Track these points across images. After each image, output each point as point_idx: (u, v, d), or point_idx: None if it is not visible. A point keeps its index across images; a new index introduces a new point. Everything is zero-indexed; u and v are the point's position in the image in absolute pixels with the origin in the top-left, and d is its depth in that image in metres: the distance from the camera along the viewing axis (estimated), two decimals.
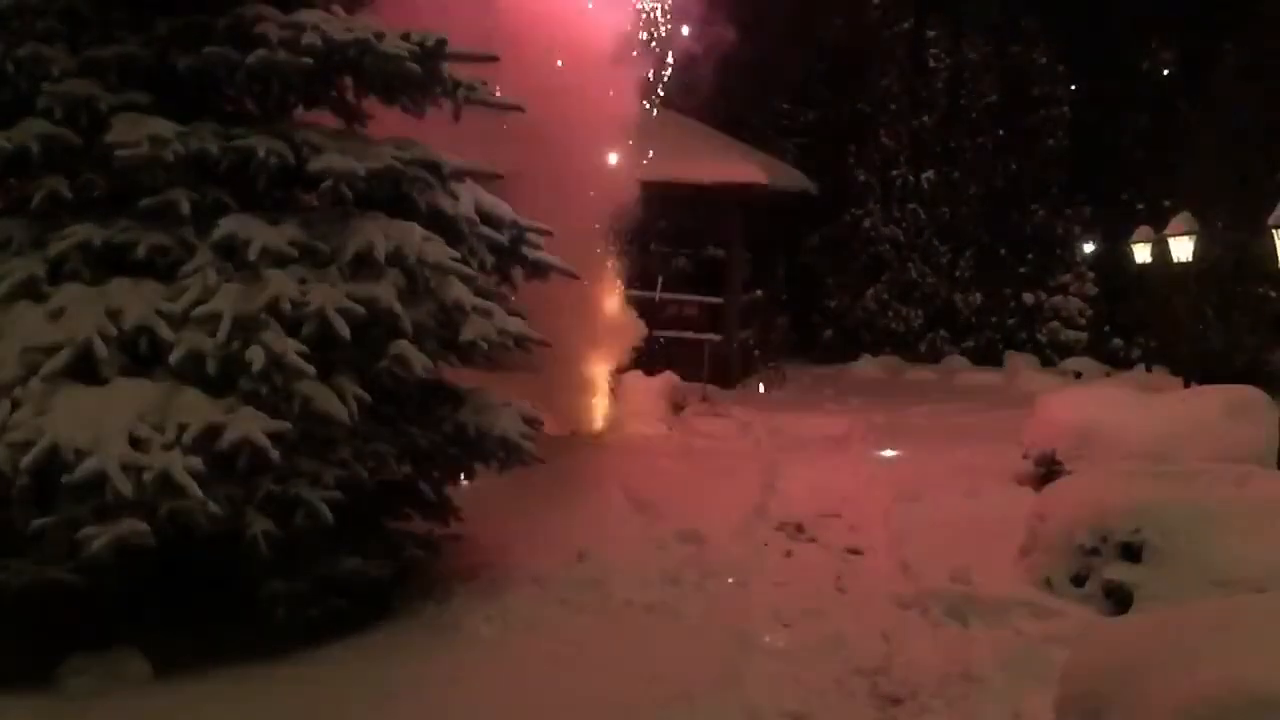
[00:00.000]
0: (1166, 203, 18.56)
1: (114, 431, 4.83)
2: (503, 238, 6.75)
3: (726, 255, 16.84)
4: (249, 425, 5.05)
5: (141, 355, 5.21)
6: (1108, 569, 6.32)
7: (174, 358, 5.14)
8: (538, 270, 7.15)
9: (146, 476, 4.76)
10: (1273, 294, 14.77)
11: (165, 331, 5.19)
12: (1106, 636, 4.61)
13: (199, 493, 4.83)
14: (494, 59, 6.49)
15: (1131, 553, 6.24)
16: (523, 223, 6.92)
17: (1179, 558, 5.97)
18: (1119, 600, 6.18)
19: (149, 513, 4.78)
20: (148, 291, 5.32)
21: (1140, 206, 20.28)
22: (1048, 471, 9.35)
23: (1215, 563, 5.80)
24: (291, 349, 5.22)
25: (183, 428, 4.99)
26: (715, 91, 16.12)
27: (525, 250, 6.98)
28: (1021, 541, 7.27)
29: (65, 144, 5.48)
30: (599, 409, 11.95)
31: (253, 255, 5.39)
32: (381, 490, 6.31)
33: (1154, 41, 21.34)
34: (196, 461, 4.91)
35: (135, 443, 4.85)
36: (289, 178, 5.85)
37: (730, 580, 7.22)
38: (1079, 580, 6.53)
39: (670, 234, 15.92)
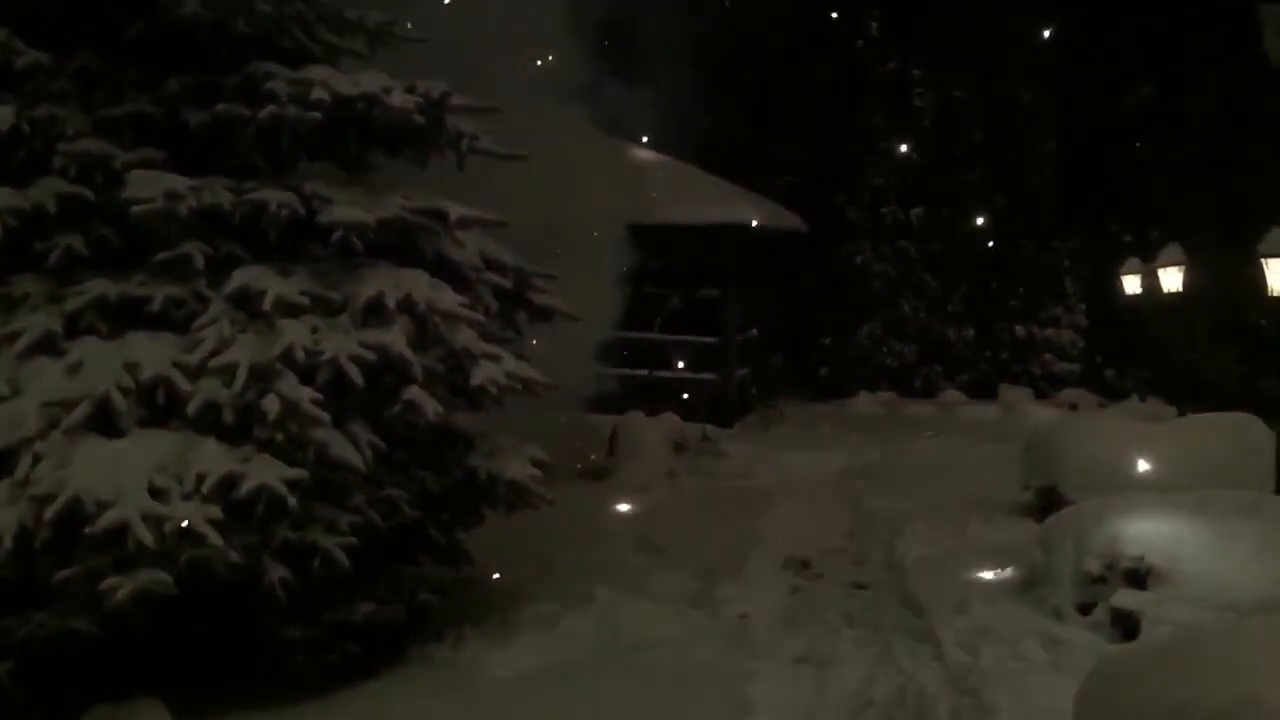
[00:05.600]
0: (1154, 234, 18.80)
1: (134, 482, 4.89)
2: (507, 283, 6.86)
3: (721, 295, 16.97)
4: (266, 473, 5.13)
5: (159, 406, 5.28)
6: (1115, 597, 6.37)
7: (191, 408, 5.22)
8: (542, 314, 7.25)
9: (167, 526, 4.82)
10: (1262, 322, 14.92)
11: (182, 382, 5.27)
12: (1119, 663, 4.68)
13: (219, 541, 4.89)
14: (496, 110, 6.61)
15: (1138, 580, 6.30)
16: (526, 268, 7.03)
17: (1185, 584, 6.04)
18: (1127, 628, 6.23)
19: (169, 562, 4.84)
20: (164, 344, 5.40)
21: (1128, 238, 20.52)
22: (1049, 502, 9.41)
23: (1221, 588, 5.87)
24: (306, 397, 5.30)
25: (201, 477, 5.06)
26: (706, 133, 16.38)
27: (529, 295, 7.08)
28: (1027, 571, 7.33)
29: (80, 201, 5.58)
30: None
31: (266, 306, 5.48)
32: (393, 535, 6.37)
33: (1136, 75, 21.66)
34: (215, 510, 4.98)
35: (155, 493, 4.91)
36: (299, 229, 5.95)
37: (739, 618, 7.26)
38: (1086, 608, 6.59)
39: (665, 275, 16.06)
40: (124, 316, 5.50)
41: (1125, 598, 6.36)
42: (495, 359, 6.18)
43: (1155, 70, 21.23)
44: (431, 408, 5.78)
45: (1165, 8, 22.31)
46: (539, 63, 11.05)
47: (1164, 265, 12.93)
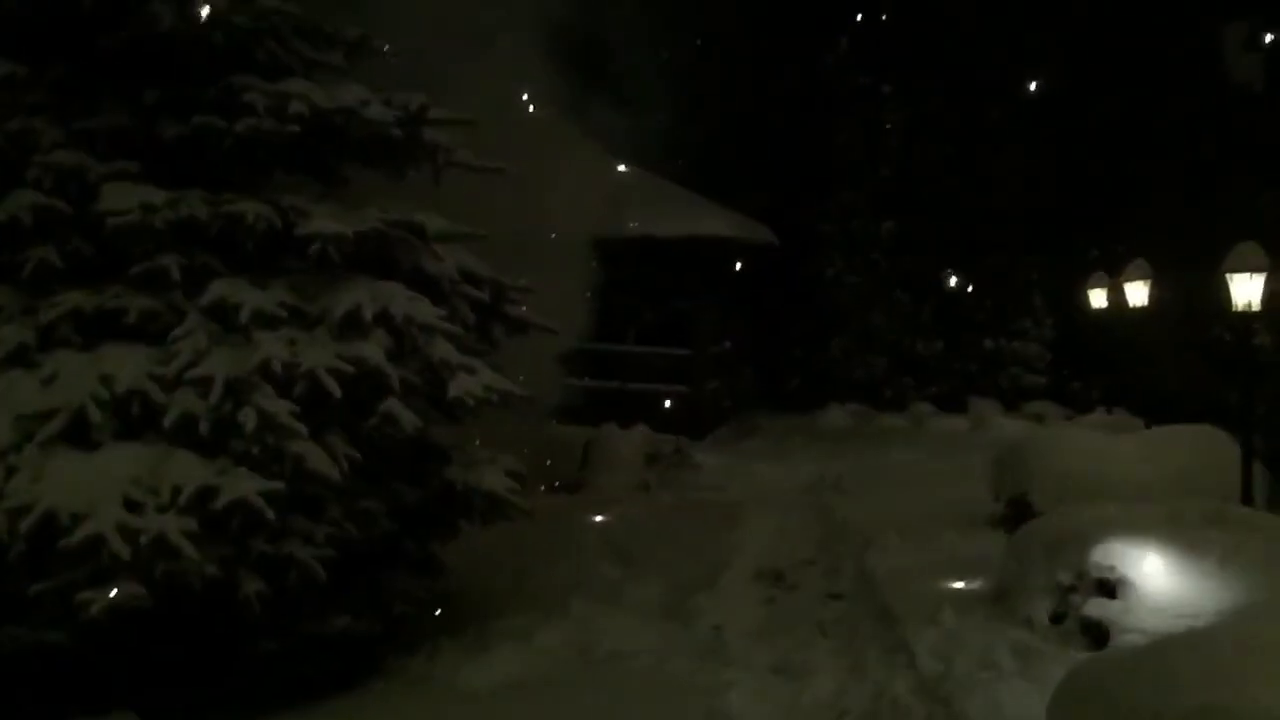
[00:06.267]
0: (1120, 249, 19.04)
1: (109, 496, 4.88)
2: (484, 295, 6.88)
3: (694, 308, 17.05)
4: (243, 486, 5.12)
5: (134, 419, 5.26)
6: (1085, 606, 6.46)
7: (167, 421, 5.21)
8: (518, 327, 7.27)
9: (142, 539, 4.80)
10: (1226, 336, 15.14)
11: (157, 395, 5.26)
12: (1089, 671, 4.75)
13: (194, 554, 4.88)
14: (472, 123, 6.65)
15: (1107, 590, 6.39)
16: (503, 280, 7.06)
17: (1154, 593, 6.13)
18: (1096, 636, 6.32)
19: (145, 575, 4.82)
20: (139, 356, 5.39)
21: (1094, 253, 20.77)
22: (1019, 513, 9.51)
23: (1189, 597, 5.96)
24: (283, 409, 5.30)
25: (177, 490, 5.05)
26: (679, 148, 16.48)
27: (506, 308, 7.11)
28: (999, 582, 7.41)
29: (56, 213, 5.56)
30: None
31: (243, 318, 5.48)
32: (369, 548, 6.38)
33: (1103, 92, 21.97)
34: (191, 523, 4.97)
35: (130, 506, 4.90)
36: (276, 241, 5.95)
37: (714, 629, 7.29)
38: (1057, 618, 6.66)
39: (639, 288, 16.12)
40: (99, 329, 5.48)
41: (1095, 607, 6.44)
42: (472, 371, 6.20)
43: (1122, 87, 21.55)
44: (409, 420, 5.79)
45: (1132, 26, 22.68)
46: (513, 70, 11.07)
47: (1130, 280, 13.10)
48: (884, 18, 22.57)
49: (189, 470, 5.13)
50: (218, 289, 5.61)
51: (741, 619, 7.57)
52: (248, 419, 5.24)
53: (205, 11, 5.84)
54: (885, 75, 22.45)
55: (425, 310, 6.03)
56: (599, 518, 10.61)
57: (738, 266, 18.71)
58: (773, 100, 22.32)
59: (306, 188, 6.46)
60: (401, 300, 5.96)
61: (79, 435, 5.10)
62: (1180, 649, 4.41)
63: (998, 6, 22.00)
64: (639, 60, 16.29)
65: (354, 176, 6.90)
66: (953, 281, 21.29)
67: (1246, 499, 8.52)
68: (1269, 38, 20.82)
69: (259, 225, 5.78)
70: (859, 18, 22.57)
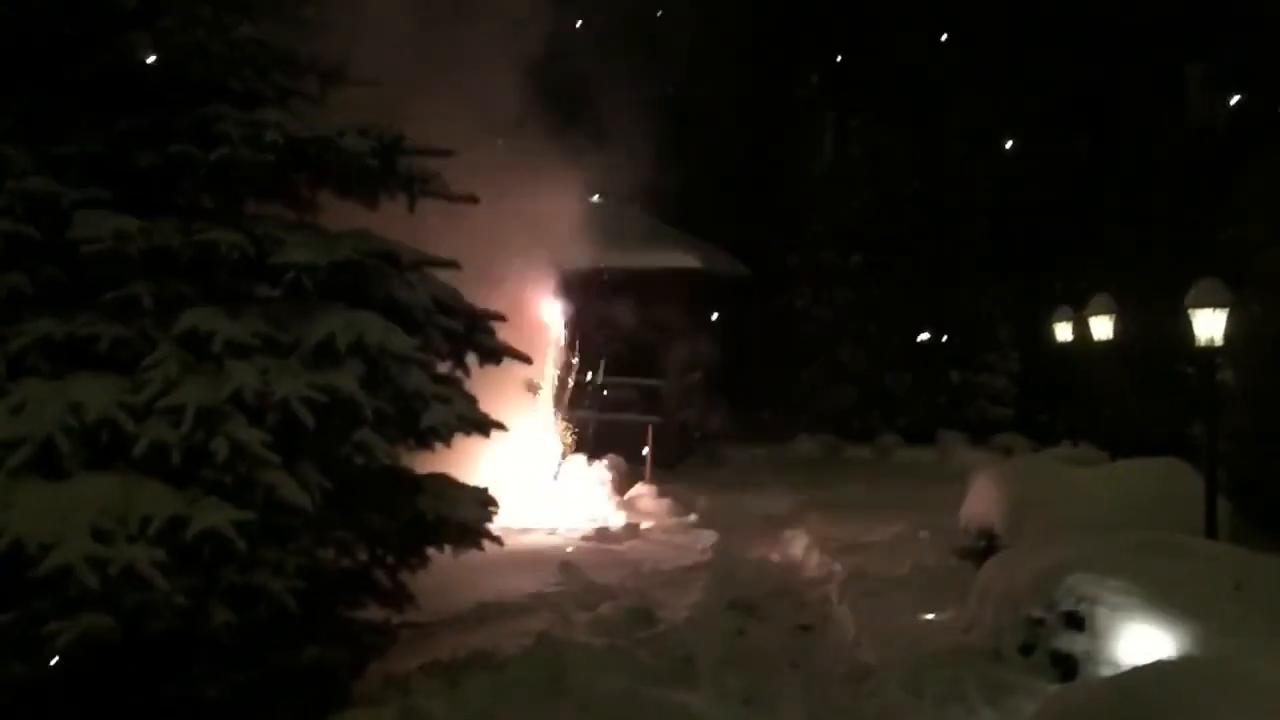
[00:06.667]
0: (1084, 283, 19.28)
1: (78, 525, 4.81)
2: (458, 325, 6.87)
3: (666, 339, 17.11)
4: (214, 516, 5.07)
5: (104, 448, 5.20)
6: (1054, 639, 6.51)
7: (137, 450, 5.15)
8: (491, 356, 7.26)
9: (111, 570, 4.74)
10: (1190, 370, 15.36)
11: (128, 424, 5.20)
12: (1060, 705, 4.79)
13: (164, 585, 4.83)
14: (450, 153, 6.67)
15: (1076, 622, 6.44)
16: (477, 309, 7.06)
17: (1120, 626, 6.18)
18: (1066, 669, 6.36)
19: (113, 607, 4.76)
20: (110, 385, 5.33)
21: (1059, 286, 21.03)
22: (987, 545, 9.58)
23: (1157, 630, 6.02)
24: (256, 439, 5.27)
25: (147, 520, 4.99)
26: (651, 181, 16.58)
27: (479, 337, 7.10)
28: (968, 613, 7.46)
29: (27, 240, 5.51)
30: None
31: (216, 347, 5.45)
32: (339, 578, 6.33)
33: (1068, 128, 22.34)
34: (161, 553, 4.91)
35: (99, 536, 4.84)
36: (249, 270, 5.94)
37: (686, 662, 7.28)
38: (1026, 650, 6.71)
39: (611, 319, 16.17)
40: (69, 357, 5.42)
41: (1064, 640, 6.49)
42: (446, 401, 6.19)
43: (1087, 124, 21.93)
44: (381, 449, 5.76)
45: (1096, 64, 23.10)
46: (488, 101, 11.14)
47: (1095, 314, 13.27)
48: (846, 57, 22.89)
49: (159, 500, 5.08)
50: (190, 317, 5.58)
51: (713, 648, 7.57)
52: (219, 448, 5.19)
53: (180, 41, 5.84)
54: (853, 109, 22.75)
55: (399, 340, 6.01)
56: (569, 547, 10.60)
57: (709, 298, 18.80)
58: (743, 134, 22.55)
59: (280, 216, 6.45)
60: (375, 329, 5.94)
61: (48, 464, 5.03)
62: (1149, 682, 4.47)
63: (965, 45, 22.41)
64: (612, 93, 16.42)
65: (328, 205, 6.90)
66: (922, 335, 21.50)
67: (1211, 532, 8.62)
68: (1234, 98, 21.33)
69: (232, 254, 5.76)
70: (830, 54, 22.86)
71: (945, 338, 21.78)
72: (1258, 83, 22.19)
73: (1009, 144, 22.13)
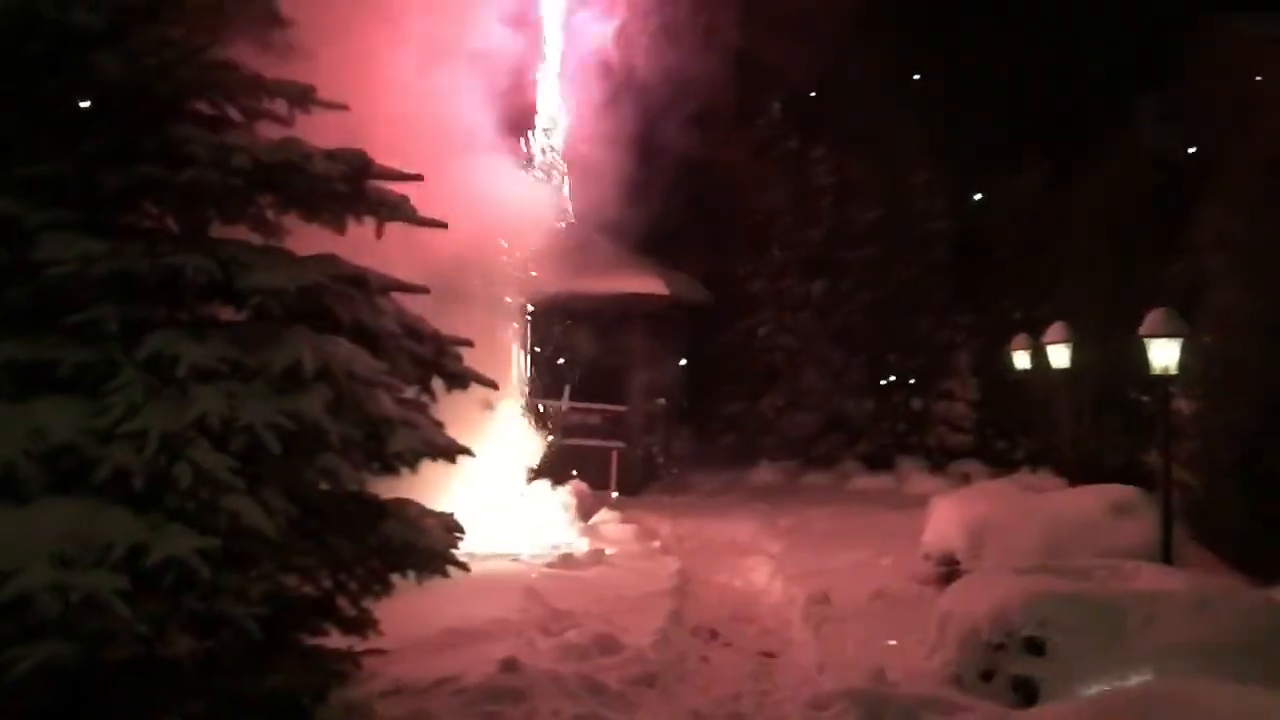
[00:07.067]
0: (1042, 311, 19.57)
1: (39, 551, 4.74)
2: (425, 350, 6.86)
3: (629, 364, 17.15)
4: (177, 542, 5.01)
5: (66, 473, 5.14)
6: (1014, 664, 6.59)
7: (100, 475, 5.09)
8: (458, 381, 7.25)
9: (73, 597, 4.67)
10: (1145, 398, 15.60)
11: (91, 449, 5.14)
12: None
13: (126, 612, 4.76)
14: (419, 178, 6.67)
15: (1036, 648, 6.52)
16: (444, 335, 7.05)
17: (1081, 652, 6.27)
18: (1026, 694, 6.44)
19: (74, 634, 4.69)
20: (73, 409, 5.27)
21: (1017, 315, 21.32)
22: (948, 571, 9.68)
23: (1115, 655, 6.11)
24: (220, 464, 5.22)
25: (108, 546, 4.93)
26: (613, 207, 16.66)
27: (446, 362, 7.09)
28: (930, 639, 7.52)
29: None
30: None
31: (181, 371, 5.40)
32: (302, 605, 6.27)
33: (1025, 156, 22.70)
34: (123, 580, 4.85)
35: (60, 563, 4.77)
36: (216, 294, 5.90)
37: (651, 688, 7.28)
38: (987, 676, 6.79)
39: (575, 344, 16.20)
40: (32, 380, 5.35)
41: (1024, 665, 6.58)
42: (413, 426, 6.17)
43: (1045, 155, 22.29)
44: (348, 475, 5.74)
45: (1054, 94, 23.51)
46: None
47: (1052, 342, 13.48)
48: (808, 86, 23.14)
49: (121, 526, 5.01)
50: (155, 341, 5.52)
51: (679, 677, 7.57)
52: (183, 474, 5.14)
53: (149, 63, 5.81)
54: (815, 136, 22.97)
55: (366, 364, 5.99)
56: (533, 574, 10.56)
57: (673, 324, 18.88)
58: (707, 161, 22.67)
59: (246, 239, 6.42)
60: (342, 354, 5.91)
61: (9, 489, 4.95)
62: (1111, 708, 4.53)
63: (926, 74, 22.77)
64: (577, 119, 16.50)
65: (296, 228, 6.86)
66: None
67: (1166, 556, 8.77)
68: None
69: (199, 277, 5.71)
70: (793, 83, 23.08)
71: (906, 365, 22.00)
72: (1198, 118, 22.74)
73: (968, 174, 22.46)
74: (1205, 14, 22.16)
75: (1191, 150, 22.16)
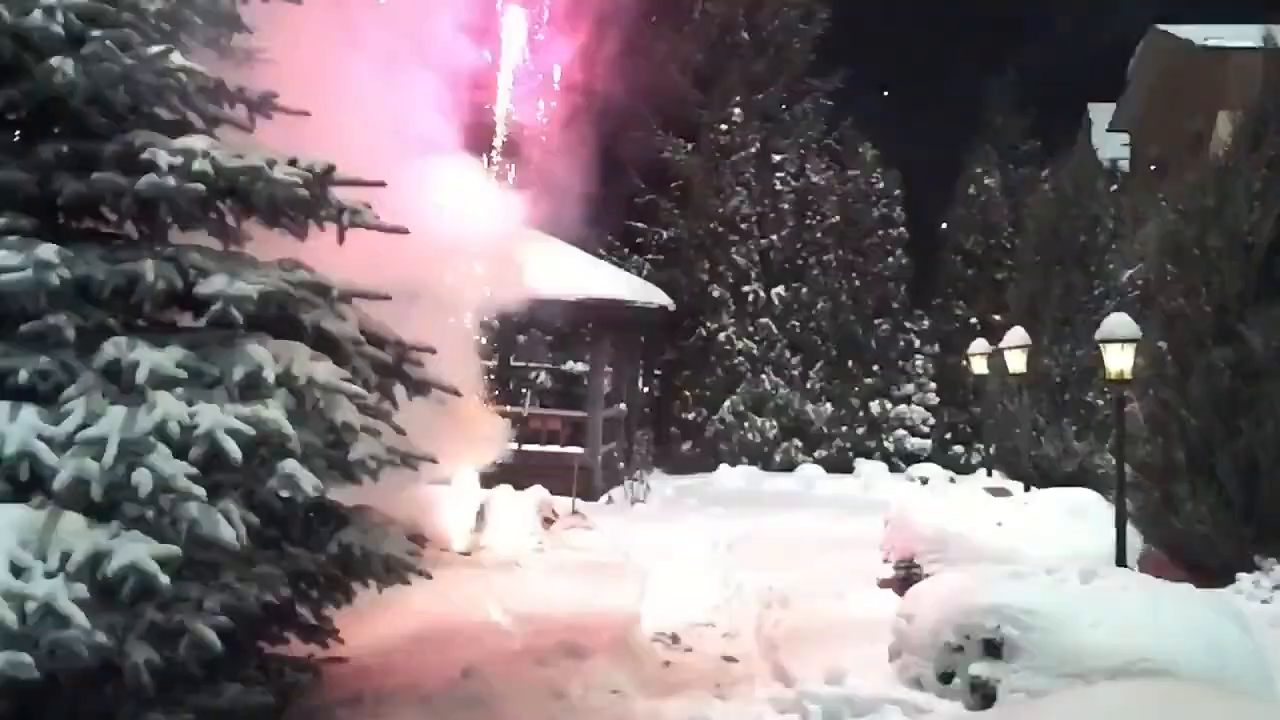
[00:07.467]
0: (997, 317, 19.85)
1: None
2: (387, 356, 6.85)
3: (590, 370, 17.16)
4: (136, 551, 4.96)
5: (22, 482, 5.08)
6: (972, 666, 6.67)
7: (57, 483, 5.03)
8: (420, 388, 7.24)
9: (29, 606, 4.62)
10: (1099, 402, 15.85)
11: (48, 457, 5.09)
12: None
13: (85, 622, 4.70)
14: (381, 184, 6.65)
15: (994, 649, 6.61)
16: (406, 342, 7.04)
17: (1038, 653, 6.36)
18: (984, 695, 6.52)
19: (31, 644, 4.63)
20: (29, 417, 5.21)
21: (973, 320, 21.60)
22: (908, 575, 9.77)
23: (1070, 655, 6.20)
24: (180, 472, 5.18)
25: (66, 555, 4.88)
26: (573, 210, 16.69)
27: (408, 369, 7.08)
28: (891, 642, 7.60)
29: None
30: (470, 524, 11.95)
31: (140, 378, 5.35)
32: (261, 613, 6.21)
33: (979, 166, 23.02)
34: (81, 589, 4.80)
35: (17, 571, 4.71)
36: (176, 300, 5.86)
37: (613, 693, 7.30)
38: (946, 677, 6.87)
39: (535, 349, 16.19)
40: None
41: (982, 667, 6.66)
42: (375, 433, 6.15)
43: (999, 162, 22.64)
44: (309, 482, 5.70)
45: (1005, 103, 23.83)
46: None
47: (1009, 347, 13.65)
48: (768, 92, 23.31)
49: (79, 534, 4.96)
50: (113, 348, 5.47)
51: (642, 682, 7.59)
52: (142, 481, 5.09)
53: (107, 68, 5.76)
54: (776, 143, 23.14)
55: (329, 371, 5.96)
56: (494, 580, 10.53)
57: (634, 329, 18.90)
58: (668, 166, 22.78)
59: (205, 245, 6.37)
60: (304, 361, 5.89)
61: None
62: (1067, 707, 4.61)
63: (883, 82, 22.99)
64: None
65: (256, 234, 6.82)
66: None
67: (1121, 559, 8.91)
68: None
69: (158, 284, 5.67)
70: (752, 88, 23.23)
71: (865, 370, 22.20)
72: (1148, 127, 23.15)
73: (925, 181, 22.74)
74: (1155, 24, 22.58)
75: (1142, 157, 22.56)
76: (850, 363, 22.24)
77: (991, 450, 18.85)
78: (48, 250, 5.45)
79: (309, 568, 6.22)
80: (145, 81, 6.03)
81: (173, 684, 5.51)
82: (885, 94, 23.71)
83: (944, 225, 23.35)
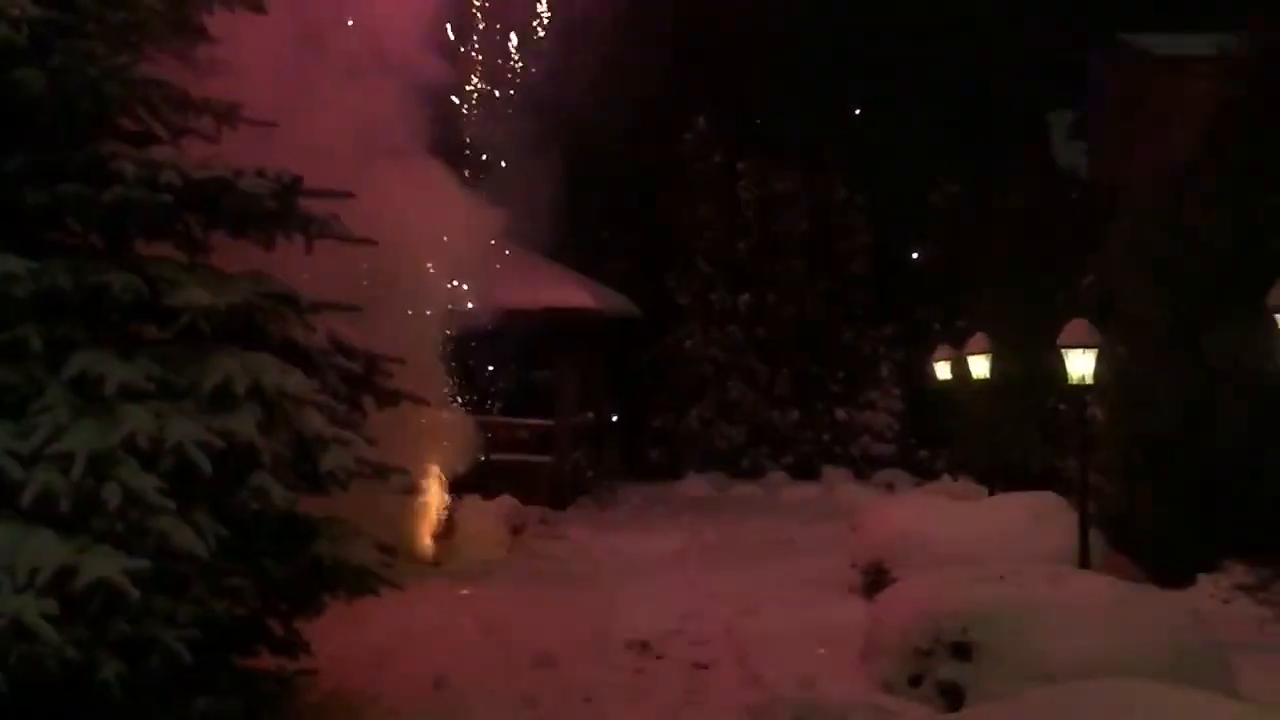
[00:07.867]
0: (961, 323, 20.02)
1: None
2: (356, 367, 6.84)
3: (557, 378, 17.16)
4: (105, 565, 4.93)
5: None
6: (941, 669, 6.74)
7: (26, 498, 4.99)
8: (389, 399, 7.24)
9: None
10: (1062, 407, 16.02)
11: (16, 471, 5.04)
12: None
13: (54, 637, 4.67)
14: (349, 195, 6.65)
15: (962, 652, 6.69)
16: (375, 352, 7.04)
17: (1005, 655, 6.44)
18: (953, 698, 6.60)
19: (1, 660, 4.60)
20: None
21: (937, 326, 21.78)
22: (876, 579, 9.85)
23: (1037, 658, 6.29)
24: (149, 485, 5.15)
25: (35, 570, 4.83)
26: (541, 221, 16.69)
27: (377, 379, 7.07)
28: (860, 646, 7.66)
29: None
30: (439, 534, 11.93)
31: (108, 391, 5.32)
32: (231, 626, 6.18)
33: (942, 175, 23.23)
34: (50, 604, 4.76)
35: None
36: (144, 312, 5.82)
37: (586, 701, 7.31)
38: (915, 681, 6.94)
39: (502, 357, 16.17)
40: None
41: (950, 670, 6.74)
42: (345, 444, 6.14)
43: (962, 170, 22.85)
44: (279, 494, 5.69)
45: (969, 111, 24.10)
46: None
47: (972, 353, 13.79)
48: (733, 101, 23.45)
49: (48, 549, 4.91)
50: (81, 361, 5.43)
51: (613, 690, 7.60)
52: (111, 495, 5.06)
53: (73, 79, 5.73)
54: (742, 150, 23.24)
55: (297, 382, 5.95)
56: (464, 590, 10.53)
57: (601, 337, 18.93)
58: (633, 175, 22.81)
59: (175, 258, 6.34)
60: (273, 372, 5.87)
61: None
62: (1034, 708, 4.68)
63: (844, 96, 23.23)
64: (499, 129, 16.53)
65: (223, 245, 6.79)
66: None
67: (1084, 562, 9.03)
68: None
69: (125, 295, 5.64)
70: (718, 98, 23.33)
71: (830, 376, 22.32)
72: (1107, 135, 23.49)
73: (889, 188, 22.95)
74: (1113, 33, 22.89)
75: (1101, 165, 22.86)
76: (816, 369, 22.36)
77: (956, 455, 19.02)
78: (13, 262, 5.41)
79: (279, 579, 6.19)
80: (111, 93, 6.00)
81: (143, 697, 5.47)
82: (857, 112, 23.83)
83: (909, 233, 23.54)
